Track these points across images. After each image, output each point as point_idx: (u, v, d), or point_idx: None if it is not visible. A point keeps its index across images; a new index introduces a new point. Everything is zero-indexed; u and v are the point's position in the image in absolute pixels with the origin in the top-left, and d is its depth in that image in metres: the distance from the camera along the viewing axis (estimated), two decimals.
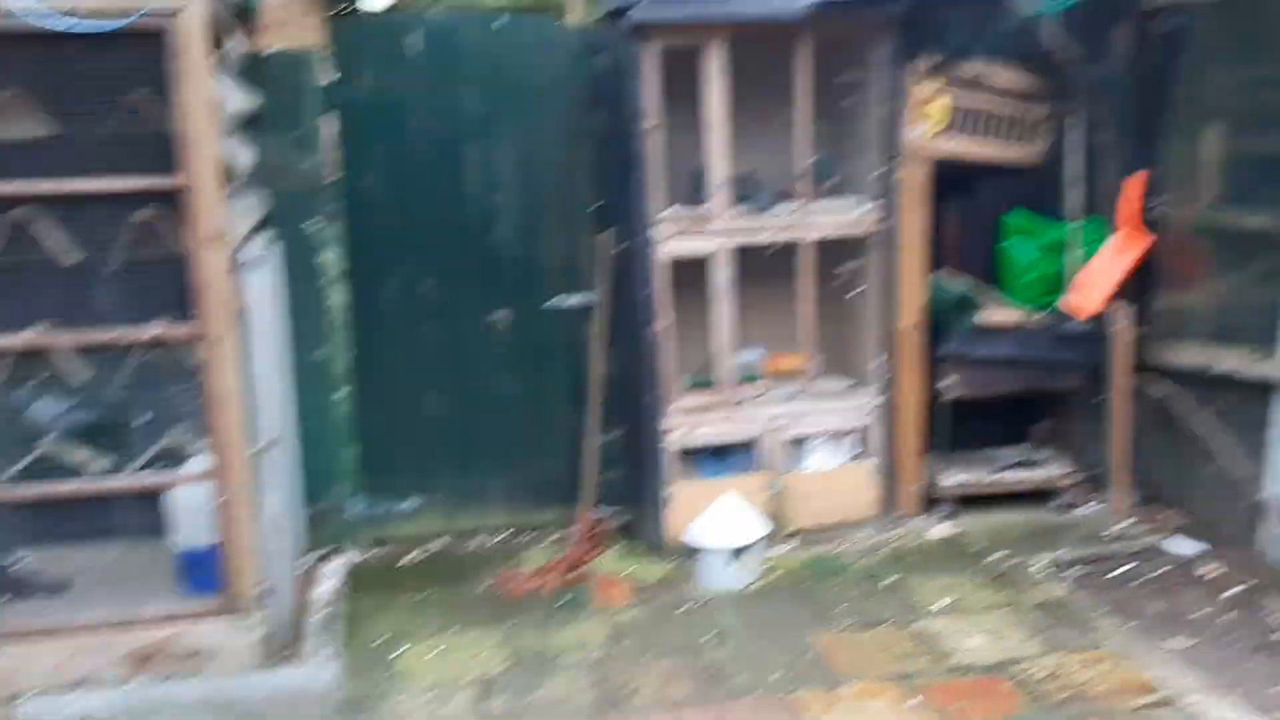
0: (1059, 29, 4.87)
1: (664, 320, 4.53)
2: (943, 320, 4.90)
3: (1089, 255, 4.90)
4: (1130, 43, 4.91)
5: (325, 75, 4.45)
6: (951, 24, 4.83)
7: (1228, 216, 4.59)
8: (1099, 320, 4.88)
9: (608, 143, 4.69)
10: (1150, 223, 4.86)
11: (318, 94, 4.42)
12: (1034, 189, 5.09)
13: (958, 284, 5.02)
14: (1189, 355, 4.73)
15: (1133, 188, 4.83)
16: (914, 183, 4.73)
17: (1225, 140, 4.58)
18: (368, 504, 4.92)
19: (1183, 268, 4.83)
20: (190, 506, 3.61)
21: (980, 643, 3.86)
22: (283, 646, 3.75)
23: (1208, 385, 4.65)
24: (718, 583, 4.36)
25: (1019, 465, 5.14)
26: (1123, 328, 4.89)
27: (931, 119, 4.72)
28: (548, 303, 4.91)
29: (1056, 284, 4.98)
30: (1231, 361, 4.49)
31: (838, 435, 4.88)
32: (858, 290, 4.84)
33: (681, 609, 4.22)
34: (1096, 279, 4.86)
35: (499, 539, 5.02)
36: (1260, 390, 4.36)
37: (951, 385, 4.92)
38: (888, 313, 4.81)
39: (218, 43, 3.45)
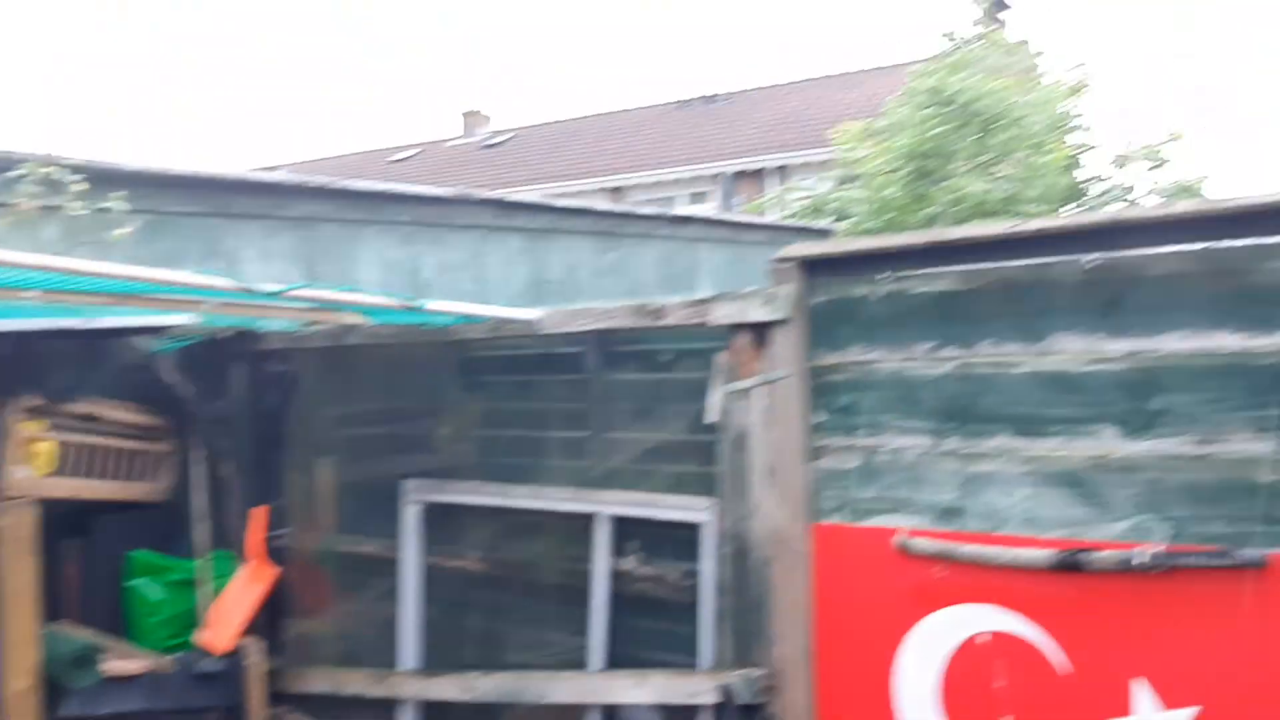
0: (177, 366, 4.94)
1: None
2: (63, 678, 4.38)
3: (220, 590, 4.85)
4: (248, 381, 5.16)
5: None
6: (59, 360, 4.61)
7: (344, 543, 4.92)
8: (234, 655, 4.79)
9: None
10: (277, 553, 4.99)
11: None
12: (162, 526, 4.95)
13: (79, 635, 4.57)
14: (321, 681, 4.84)
15: (257, 520, 4.95)
16: (20, 530, 4.27)
17: (335, 472, 4.96)
18: None
19: (310, 595, 5.01)
20: None
21: None
22: None
23: (341, 709, 4.78)
24: None
25: None
26: (256, 660, 4.85)
27: (38, 460, 4.37)
28: None
29: (189, 622, 4.80)
30: (358, 683, 4.69)
31: None
32: None
33: None
34: (228, 613, 4.80)
35: None
36: (386, 708, 4.60)
37: None
38: None
39: None
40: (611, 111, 28.94)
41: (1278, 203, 2.74)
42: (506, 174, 26.52)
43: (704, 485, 3.85)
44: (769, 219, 14.07)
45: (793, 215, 14.84)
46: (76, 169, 4.54)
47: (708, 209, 23.23)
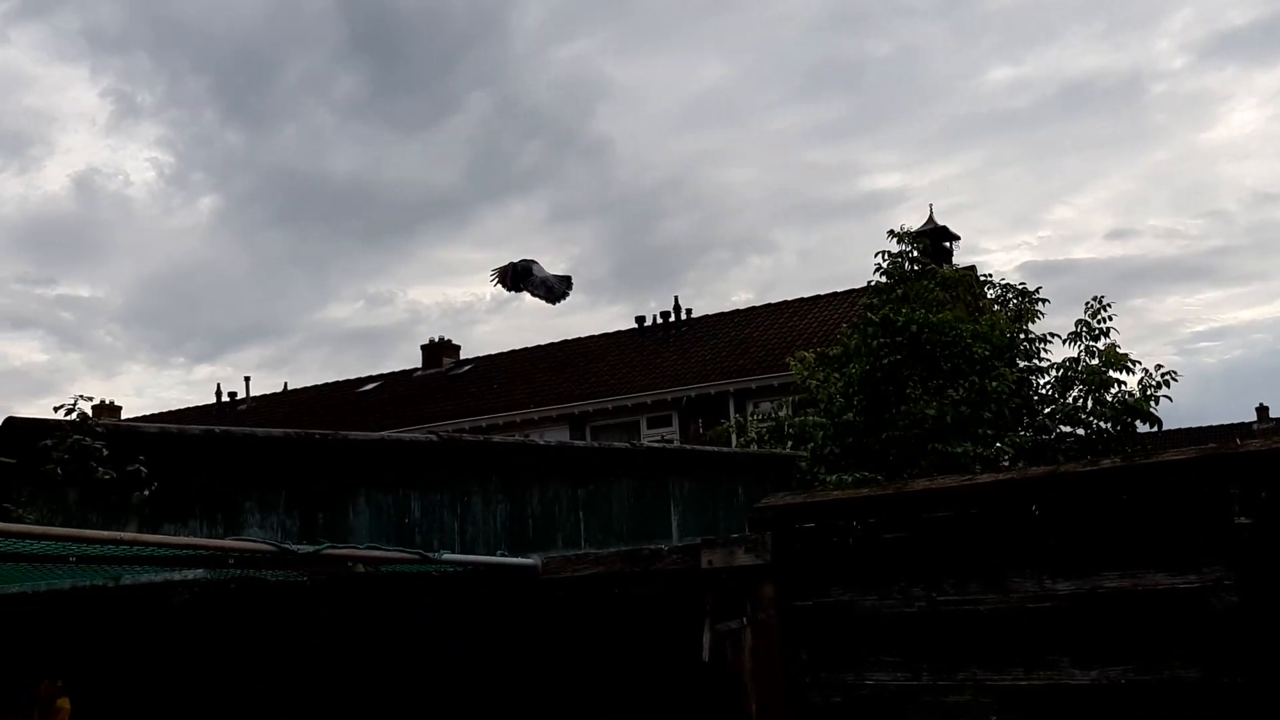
0: None
1: None
2: None
3: None
4: None
5: None
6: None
7: None
8: None
9: None
10: None
11: None
12: None
13: None
14: None
15: None
16: None
17: None
18: None
19: None
20: None
21: None
22: None
23: None
24: None
25: None
26: None
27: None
28: None
29: None
30: None
31: None
32: None
33: None
34: None
35: None
36: None
37: None
38: None
39: None
40: (572, 339, 29.92)
41: (1194, 460, 3.20)
42: (471, 402, 27.10)
43: None
44: (731, 448, 14.57)
45: (753, 440, 15.33)
46: (100, 434, 4.88)
47: (669, 433, 23.81)
